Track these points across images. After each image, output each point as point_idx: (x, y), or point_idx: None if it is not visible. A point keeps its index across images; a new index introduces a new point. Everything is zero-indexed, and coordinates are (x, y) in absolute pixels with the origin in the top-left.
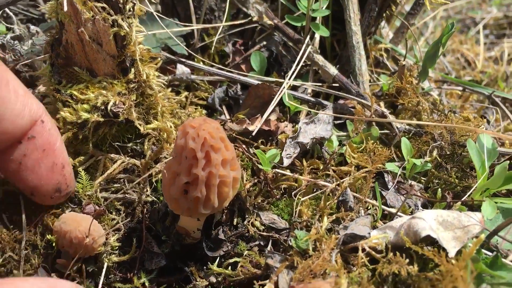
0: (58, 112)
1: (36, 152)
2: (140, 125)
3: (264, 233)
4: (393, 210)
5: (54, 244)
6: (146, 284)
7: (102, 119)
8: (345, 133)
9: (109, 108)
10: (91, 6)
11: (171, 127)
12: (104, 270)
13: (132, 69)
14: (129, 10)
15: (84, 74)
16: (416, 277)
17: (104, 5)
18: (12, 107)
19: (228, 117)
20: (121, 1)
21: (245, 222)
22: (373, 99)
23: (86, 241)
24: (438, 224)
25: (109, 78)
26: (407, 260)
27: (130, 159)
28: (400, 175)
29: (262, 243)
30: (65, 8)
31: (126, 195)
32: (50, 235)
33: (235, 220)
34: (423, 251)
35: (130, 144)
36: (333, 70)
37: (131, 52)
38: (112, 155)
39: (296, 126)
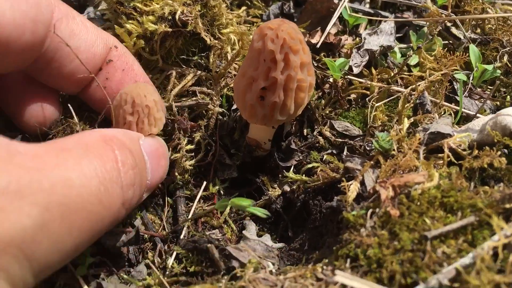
0: (121, 26)
1: (116, 73)
2: (206, 36)
3: (339, 140)
4: (471, 112)
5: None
6: (221, 191)
7: (170, 30)
8: (406, 45)
9: (177, 17)
10: None
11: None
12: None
13: None
14: None
15: None
16: (506, 170)
17: None
18: (85, 38)
19: None
20: None
21: (315, 133)
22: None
23: (153, 110)
24: None
25: None
26: (499, 153)
27: (202, 72)
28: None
29: (334, 151)
30: None
31: (199, 105)
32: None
33: (305, 130)
34: None
35: (195, 58)
36: None
37: None
38: (182, 69)
39: (357, 39)
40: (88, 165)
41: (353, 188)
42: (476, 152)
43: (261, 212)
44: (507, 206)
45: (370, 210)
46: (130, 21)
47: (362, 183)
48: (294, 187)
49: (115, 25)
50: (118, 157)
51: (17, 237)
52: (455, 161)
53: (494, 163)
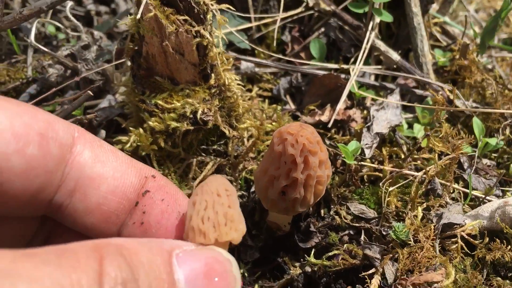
0: (144, 122)
1: (155, 205)
2: (224, 128)
3: (355, 224)
4: (478, 194)
5: None
6: (246, 274)
7: (191, 127)
8: (412, 115)
9: (198, 116)
10: (173, 19)
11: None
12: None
13: (213, 75)
14: (210, 19)
15: (166, 83)
16: None
17: (186, 17)
18: (114, 165)
19: (293, 106)
20: (202, 11)
21: (331, 213)
22: (455, 90)
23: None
24: None
25: (191, 85)
26: (509, 247)
27: (221, 159)
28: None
29: (351, 232)
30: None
31: None
32: None
33: (322, 211)
34: None
35: (215, 146)
36: (395, 56)
37: (210, 58)
38: (202, 158)
39: (364, 112)
40: (48, 274)
41: (374, 282)
42: (487, 240)
43: None
44: None
45: None
46: (153, 118)
47: (383, 274)
48: (316, 268)
49: (130, 127)
50: (105, 269)
51: None
52: (468, 251)
53: (505, 257)
